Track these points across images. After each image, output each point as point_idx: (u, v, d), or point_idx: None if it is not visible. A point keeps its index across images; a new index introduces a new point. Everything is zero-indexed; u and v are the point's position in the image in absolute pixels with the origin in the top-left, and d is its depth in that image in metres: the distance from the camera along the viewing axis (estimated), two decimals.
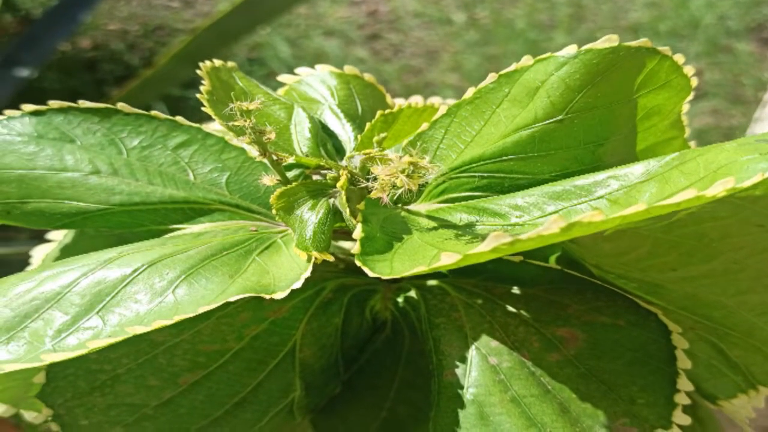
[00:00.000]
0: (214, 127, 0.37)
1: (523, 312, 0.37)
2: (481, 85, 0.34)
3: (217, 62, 0.35)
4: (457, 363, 0.35)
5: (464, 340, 0.36)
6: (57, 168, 0.34)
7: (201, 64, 0.34)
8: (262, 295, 0.30)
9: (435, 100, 0.47)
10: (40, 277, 0.31)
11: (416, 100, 0.40)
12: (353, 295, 0.38)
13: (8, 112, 0.35)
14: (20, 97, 1.40)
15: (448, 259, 0.27)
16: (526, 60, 0.34)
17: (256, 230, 0.34)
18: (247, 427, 0.40)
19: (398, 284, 0.40)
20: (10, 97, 1.31)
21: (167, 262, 0.31)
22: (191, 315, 0.29)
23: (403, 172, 0.28)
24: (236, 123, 0.30)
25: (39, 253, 0.43)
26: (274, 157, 0.32)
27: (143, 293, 0.30)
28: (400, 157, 0.29)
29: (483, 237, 0.31)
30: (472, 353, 0.35)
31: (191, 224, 0.35)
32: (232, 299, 0.30)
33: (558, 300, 0.37)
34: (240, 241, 0.33)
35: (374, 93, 0.38)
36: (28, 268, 0.44)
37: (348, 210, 0.31)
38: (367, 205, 0.32)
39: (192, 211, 0.35)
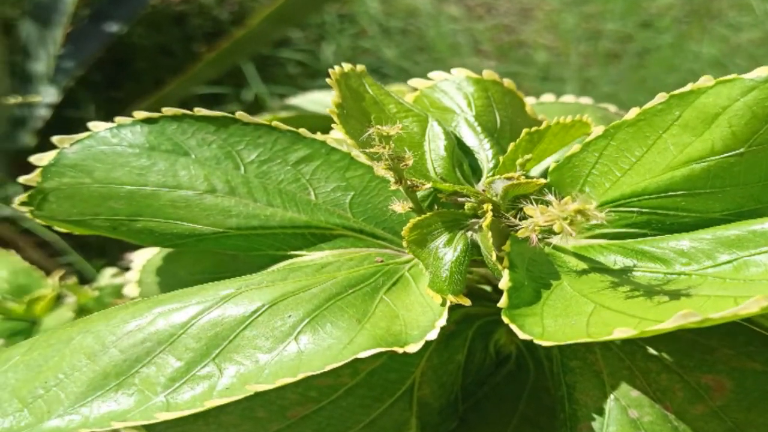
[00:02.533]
0: (334, 135, 0.34)
1: (665, 355, 0.32)
2: (648, 105, 0.29)
3: (347, 67, 0.31)
4: (594, 415, 0.32)
5: (602, 388, 0.32)
6: (170, 185, 0.31)
7: (331, 71, 0.30)
8: (394, 349, 0.27)
9: (568, 99, 0.42)
10: (152, 315, 0.28)
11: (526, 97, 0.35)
12: (478, 327, 0.35)
13: (119, 120, 0.32)
14: (109, 52, 1.39)
15: (621, 334, 0.23)
16: (705, 81, 0.29)
17: (382, 261, 0.31)
18: None
19: None
20: (99, 52, 1.31)
21: (289, 302, 0.28)
22: (317, 372, 0.26)
23: (565, 219, 0.24)
24: (373, 150, 0.26)
25: (140, 259, 0.41)
26: (409, 184, 0.28)
27: (263, 339, 0.27)
28: (562, 200, 0.25)
29: (645, 290, 0.27)
30: (610, 404, 0.31)
31: (312, 251, 0.32)
32: (361, 356, 0.26)
33: (704, 342, 0.32)
34: (366, 275, 0.30)
35: (513, 101, 0.34)
36: (129, 275, 0.42)
37: (494, 254, 0.27)
38: (513, 246, 0.28)
39: (313, 236, 0.31)
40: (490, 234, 0.27)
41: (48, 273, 0.70)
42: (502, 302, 0.26)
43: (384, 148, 0.26)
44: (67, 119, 1.46)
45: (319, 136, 0.32)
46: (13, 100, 0.95)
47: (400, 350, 0.27)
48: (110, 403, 0.27)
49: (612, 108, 0.41)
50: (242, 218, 0.31)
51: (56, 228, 0.35)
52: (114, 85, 1.54)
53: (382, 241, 0.32)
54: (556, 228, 0.25)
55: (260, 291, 0.29)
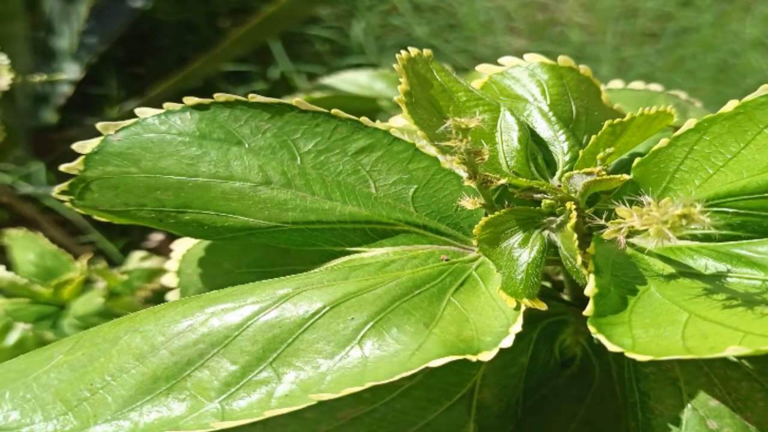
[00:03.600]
0: (397, 123, 0.32)
1: (745, 362, 0.30)
2: (748, 98, 0.27)
3: (413, 51, 0.29)
4: (670, 425, 0.30)
5: (678, 396, 0.30)
6: (222, 176, 0.29)
7: (398, 57, 0.28)
8: (467, 357, 0.25)
9: (637, 85, 0.39)
10: (204, 314, 0.26)
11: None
12: (543, 328, 0.33)
13: (168, 106, 0.30)
14: (132, 28, 1.37)
15: (735, 352, 0.21)
16: None
17: (447, 259, 0.29)
18: None
19: None
20: (122, 28, 1.29)
21: (352, 303, 0.26)
22: (385, 382, 0.24)
23: (665, 223, 0.22)
24: (449, 143, 0.24)
25: (179, 248, 0.39)
26: (483, 179, 0.26)
27: (324, 342, 0.26)
28: (662, 203, 0.22)
29: (744, 298, 0.25)
30: (687, 414, 0.29)
31: (371, 247, 0.29)
32: (433, 365, 0.24)
33: None
34: (432, 275, 0.28)
35: (589, 90, 0.31)
36: (168, 265, 0.40)
37: (579, 258, 0.24)
38: (597, 248, 0.25)
39: (374, 232, 0.29)
40: (575, 236, 0.25)
41: (70, 253, 0.69)
42: (588, 310, 0.24)
43: (461, 141, 0.24)
44: (89, 96, 1.44)
45: (381, 125, 0.29)
46: (38, 77, 0.93)
47: (474, 358, 0.25)
48: (161, 408, 0.25)
49: (683, 95, 0.39)
50: (299, 212, 0.29)
51: (96, 217, 0.33)
52: (136, 62, 1.52)
53: (446, 237, 0.30)
54: (652, 232, 0.23)
55: (320, 291, 0.27)
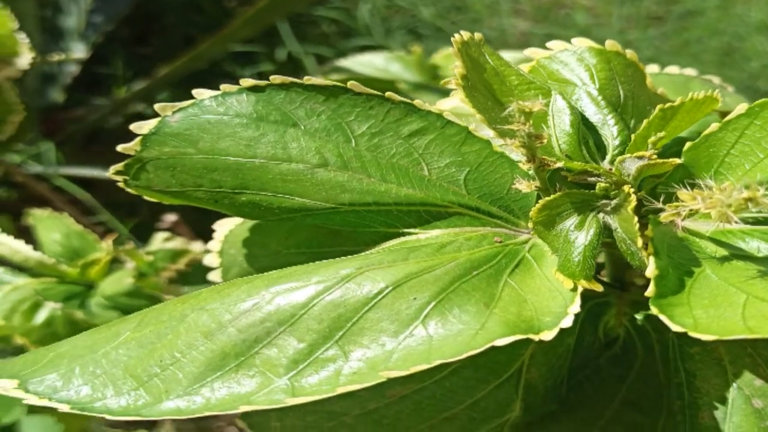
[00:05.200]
0: (444, 105, 0.32)
1: None
2: None
3: (466, 35, 0.30)
4: (716, 404, 0.30)
5: (723, 376, 0.31)
6: (280, 158, 0.30)
7: (453, 40, 0.29)
8: (529, 336, 0.26)
9: (672, 70, 0.40)
10: (269, 293, 0.27)
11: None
12: (588, 309, 0.33)
13: (225, 87, 0.30)
14: (138, 8, 1.37)
15: None
16: None
17: (501, 241, 0.29)
18: None
19: (634, 297, 0.34)
20: (129, 7, 1.28)
21: (414, 284, 0.27)
22: (452, 360, 0.25)
23: (729, 206, 0.23)
24: (511, 127, 0.25)
25: (222, 229, 0.40)
26: (541, 162, 0.27)
27: (388, 321, 0.26)
28: (724, 187, 0.23)
29: None
30: (733, 393, 0.30)
31: (426, 229, 0.30)
32: (498, 343, 0.25)
33: None
34: (488, 256, 0.28)
35: (635, 74, 0.32)
36: (210, 245, 0.41)
37: (639, 240, 0.25)
38: (655, 231, 0.26)
39: (428, 214, 0.30)
40: (636, 219, 0.25)
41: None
42: (650, 291, 0.25)
43: (524, 124, 0.25)
44: (95, 75, 1.44)
45: (434, 108, 0.30)
46: (57, 56, 0.93)
47: (536, 338, 0.26)
48: (231, 384, 0.26)
49: (716, 80, 0.39)
50: (356, 194, 0.30)
51: (146, 197, 0.34)
52: (142, 42, 1.52)
53: (497, 220, 0.30)
54: (715, 215, 0.23)
55: (382, 271, 0.27)
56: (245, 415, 0.38)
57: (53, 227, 0.65)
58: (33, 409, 0.69)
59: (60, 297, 0.62)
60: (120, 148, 0.31)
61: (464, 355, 0.25)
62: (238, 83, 0.30)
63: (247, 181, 0.30)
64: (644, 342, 0.34)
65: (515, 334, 0.25)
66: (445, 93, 0.33)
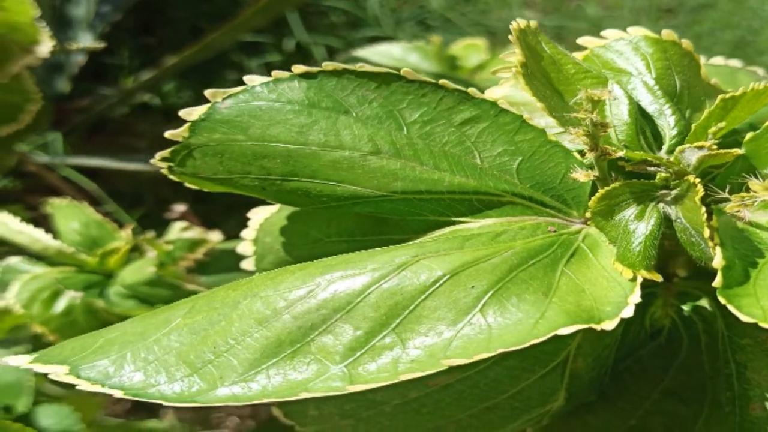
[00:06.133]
0: (494, 94, 0.32)
1: None
2: None
3: (522, 23, 0.29)
4: None
5: None
6: (331, 145, 0.29)
7: (512, 27, 0.28)
8: (591, 326, 0.25)
9: (717, 61, 0.40)
10: (324, 280, 0.27)
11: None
12: None
13: (276, 74, 0.30)
14: None
15: None
16: None
17: (555, 231, 0.29)
18: (489, 430, 0.36)
19: (680, 288, 0.34)
20: None
21: (471, 272, 0.27)
22: (514, 349, 0.25)
23: None
24: (578, 115, 0.25)
25: (257, 217, 0.39)
26: (602, 152, 0.27)
27: (446, 310, 0.26)
28: None
29: None
30: None
31: (478, 218, 0.30)
32: (561, 332, 0.25)
33: None
34: (543, 246, 0.28)
35: (690, 64, 0.32)
36: (245, 233, 0.40)
37: (706, 231, 0.25)
38: (720, 222, 0.26)
39: (480, 202, 0.30)
40: (703, 209, 0.25)
41: None
42: (717, 282, 0.25)
43: (592, 112, 0.24)
44: (101, 65, 1.43)
45: (488, 96, 0.30)
46: (75, 45, 0.93)
47: (598, 327, 0.25)
48: (288, 371, 0.26)
49: (760, 71, 0.39)
50: (408, 182, 0.29)
51: (188, 185, 0.34)
52: (147, 32, 1.51)
53: (550, 209, 0.30)
54: None
55: (439, 259, 0.27)
56: (282, 403, 0.38)
57: (72, 216, 0.65)
58: (41, 398, 0.68)
59: (79, 286, 0.62)
60: (168, 134, 0.31)
61: (526, 344, 0.25)
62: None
63: (297, 169, 0.30)
64: (690, 333, 0.34)
65: (577, 324, 0.25)
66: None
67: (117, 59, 1.43)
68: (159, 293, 0.60)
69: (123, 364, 0.27)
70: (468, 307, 0.26)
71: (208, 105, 0.30)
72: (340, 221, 0.34)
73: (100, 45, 0.80)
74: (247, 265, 0.40)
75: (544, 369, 0.33)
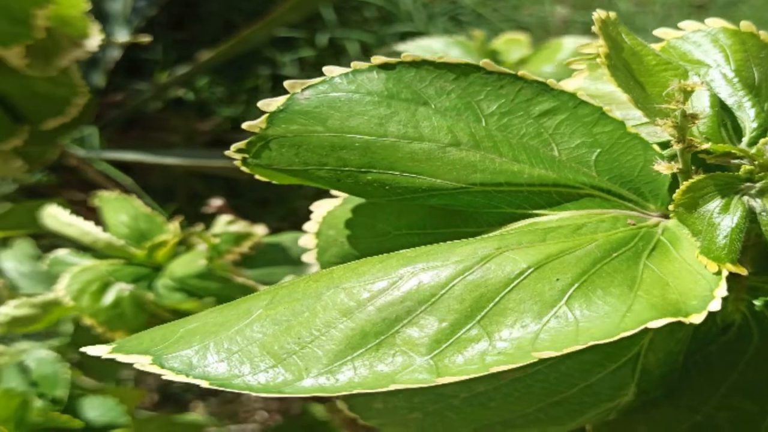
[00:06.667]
0: (568, 85, 0.32)
1: None
2: None
3: (603, 14, 0.29)
4: None
5: None
6: (411, 136, 0.29)
7: (595, 18, 0.28)
8: (680, 319, 0.25)
9: None
10: (407, 272, 0.27)
11: None
12: None
13: (355, 65, 0.30)
14: None
15: None
16: None
17: (634, 224, 0.29)
18: (556, 425, 0.36)
19: (751, 283, 0.34)
20: None
21: (554, 265, 0.27)
22: (603, 341, 0.25)
23: None
24: (670, 106, 0.24)
25: (320, 209, 0.39)
26: (688, 144, 0.26)
27: (531, 302, 0.26)
28: None
29: None
30: None
31: (556, 211, 0.30)
32: (651, 326, 0.25)
33: None
34: (625, 239, 0.28)
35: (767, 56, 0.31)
36: (307, 226, 0.40)
37: None
38: None
39: (559, 195, 0.30)
40: None
41: None
42: None
43: (683, 103, 0.24)
44: (135, 60, 1.44)
45: (567, 87, 0.30)
46: (122, 40, 0.93)
47: (686, 320, 0.25)
48: (373, 362, 0.26)
49: None
50: (488, 174, 0.29)
51: (258, 177, 0.34)
52: (180, 27, 1.52)
53: (627, 202, 0.30)
54: None
55: (522, 252, 0.27)
56: (347, 397, 0.38)
57: (121, 209, 0.65)
58: (76, 391, 0.69)
59: (128, 279, 0.63)
60: (245, 125, 0.31)
61: (616, 337, 0.25)
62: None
63: (374, 160, 0.30)
64: (761, 328, 0.34)
65: (665, 317, 0.25)
66: None
67: (150, 54, 1.44)
68: (208, 286, 0.60)
69: (206, 354, 0.27)
70: (553, 299, 0.26)
71: (287, 96, 0.30)
72: (410, 214, 0.34)
73: (146, 39, 0.81)
74: (308, 258, 0.40)
75: (616, 363, 0.33)
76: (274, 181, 0.34)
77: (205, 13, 1.48)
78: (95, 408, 0.68)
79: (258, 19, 1.12)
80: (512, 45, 0.76)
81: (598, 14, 0.29)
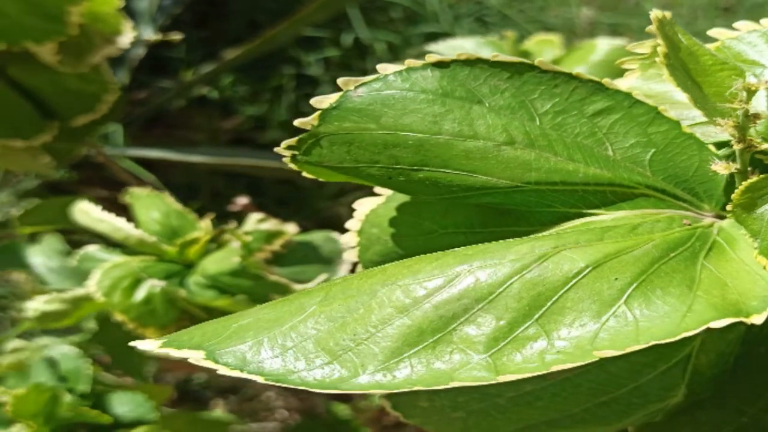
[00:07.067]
0: (621, 85, 0.31)
1: None
2: None
3: (659, 13, 0.29)
4: None
5: None
6: (465, 134, 0.29)
7: (652, 17, 0.28)
8: (740, 319, 0.25)
9: None
10: (463, 270, 0.27)
11: None
12: None
13: (409, 62, 0.30)
14: None
15: None
16: None
17: (689, 224, 0.29)
18: (601, 425, 0.36)
19: None
20: None
21: (613, 264, 0.27)
22: (664, 341, 0.24)
23: None
24: (733, 106, 0.24)
25: (363, 208, 0.39)
26: (748, 144, 0.26)
27: (589, 301, 0.26)
28: None
29: None
30: None
31: (610, 210, 0.30)
32: (713, 326, 0.25)
33: None
34: (682, 239, 0.28)
35: None
36: (349, 224, 0.40)
37: None
38: None
39: (614, 194, 0.29)
40: None
41: None
42: None
43: (746, 104, 0.24)
44: (159, 58, 1.45)
45: (622, 86, 0.29)
46: (154, 37, 0.94)
47: (748, 321, 0.25)
48: (431, 360, 0.26)
49: None
50: (543, 173, 0.29)
51: (306, 174, 0.34)
52: (204, 25, 1.52)
53: (682, 202, 0.30)
54: None
55: (580, 251, 0.27)
56: (391, 395, 0.38)
57: (152, 206, 0.66)
58: (98, 386, 0.69)
59: (160, 275, 0.63)
60: (297, 122, 0.31)
61: (678, 337, 0.25)
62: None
63: (428, 158, 0.30)
64: None
65: (726, 317, 0.25)
66: None
67: (174, 52, 1.45)
68: (241, 284, 0.60)
69: (260, 350, 0.27)
70: (612, 299, 0.26)
71: (340, 93, 0.30)
72: (457, 212, 0.34)
73: (176, 37, 0.81)
74: (350, 256, 0.40)
75: (667, 364, 0.32)
76: (320, 178, 0.34)
77: (229, 12, 1.48)
78: (124, 404, 0.68)
79: (283, 18, 1.12)
80: (544, 46, 0.75)
81: (656, 14, 0.29)
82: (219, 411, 1.24)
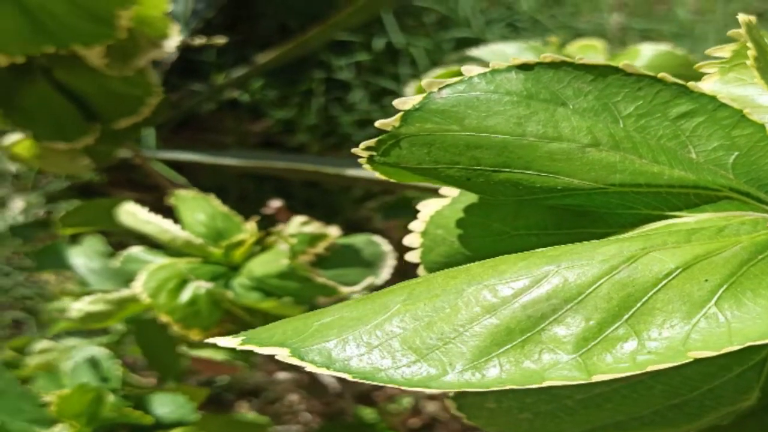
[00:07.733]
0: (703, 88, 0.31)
1: None
2: None
3: (746, 17, 0.29)
4: None
5: None
6: (550, 136, 0.29)
7: (741, 21, 0.28)
8: None
9: None
10: (550, 270, 0.27)
11: None
12: None
13: (494, 65, 0.30)
14: None
15: None
16: None
17: None
18: (670, 427, 0.35)
19: None
20: None
21: (702, 266, 0.27)
22: (758, 343, 0.24)
23: None
24: None
25: (427, 209, 0.39)
26: None
27: (679, 303, 0.26)
28: None
29: None
30: None
31: (694, 212, 0.30)
32: None
33: None
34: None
35: None
36: (413, 225, 0.41)
37: None
38: None
39: (697, 197, 0.29)
40: None
41: None
42: None
43: None
44: (189, 61, 1.46)
45: (706, 89, 0.29)
46: (198, 40, 0.95)
47: None
48: (520, 359, 0.26)
49: None
50: (627, 175, 0.29)
51: (380, 175, 0.34)
52: (235, 29, 1.53)
53: (765, 205, 0.30)
54: None
55: (669, 252, 0.27)
56: (457, 396, 0.38)
57: (198, 208, 0.66)
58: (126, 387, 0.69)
59: (206, 277, 0.63)
60: (378, 124, 0.31)
61: None
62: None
63: (510, 160, 0.30)
64: None
65: None
66: None
67: (204, 56, 1.46)
68: (288, 286, 0.60)
69: (345, 347, 0.28)
70: (702, 300, 0.26)
71: (423, 95, 0.30)
72: (528, 214, 0.34)
73: (221, 41, 0.82)
74: (412, 257, 0.40)
75: (742, 367, 0.32)
76: (392, 179, 0.34)
77: (259, 15, 1.49)
78: (165, 405, 0.68)
79: (314, 21, 1.12)
80: (588, 51, 0.75)
81: (744, 17, 0.29)
82: (244, 412, 1.25)
